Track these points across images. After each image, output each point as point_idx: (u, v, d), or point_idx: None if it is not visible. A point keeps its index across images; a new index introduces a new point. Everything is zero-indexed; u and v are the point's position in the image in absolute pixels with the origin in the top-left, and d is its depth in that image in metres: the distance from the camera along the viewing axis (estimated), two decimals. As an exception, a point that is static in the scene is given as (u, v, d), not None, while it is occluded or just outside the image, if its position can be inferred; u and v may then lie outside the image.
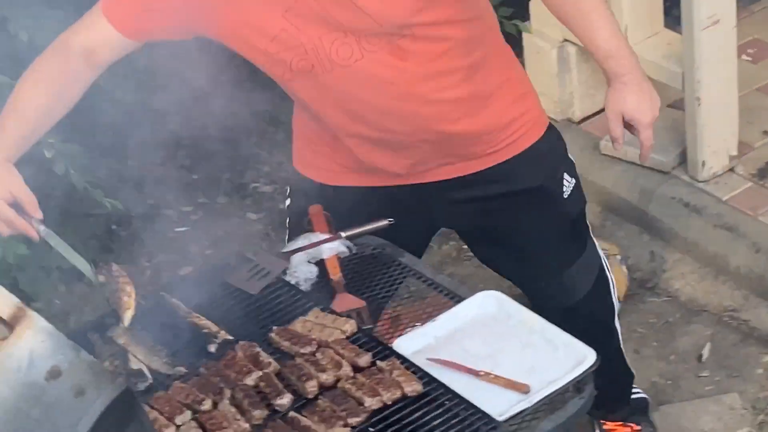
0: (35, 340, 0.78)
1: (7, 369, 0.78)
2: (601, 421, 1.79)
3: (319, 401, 1.05)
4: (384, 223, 1.37)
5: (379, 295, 1.42)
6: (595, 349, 1.12)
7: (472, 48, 1.27)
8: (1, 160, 1.10)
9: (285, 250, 1.37)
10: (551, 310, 1.33)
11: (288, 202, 1.54)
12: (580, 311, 1.48)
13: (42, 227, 1.14)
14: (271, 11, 1.15)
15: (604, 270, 1.56)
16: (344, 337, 1.16)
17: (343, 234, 1.36)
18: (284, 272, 1.31)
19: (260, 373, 1.09)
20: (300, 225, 1.41)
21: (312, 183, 1.45)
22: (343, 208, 1.38)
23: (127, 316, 1.13)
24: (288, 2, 1.14)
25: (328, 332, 1.16)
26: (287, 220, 1.54)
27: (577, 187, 1.46)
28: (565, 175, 1.44)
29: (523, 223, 1.42)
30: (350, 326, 1.18)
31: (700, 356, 2.11)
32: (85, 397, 0.71)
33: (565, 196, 1.43)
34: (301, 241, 1.35)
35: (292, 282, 1.31)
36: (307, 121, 1.42)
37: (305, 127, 1.45)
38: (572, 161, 1.50)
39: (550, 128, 1.44)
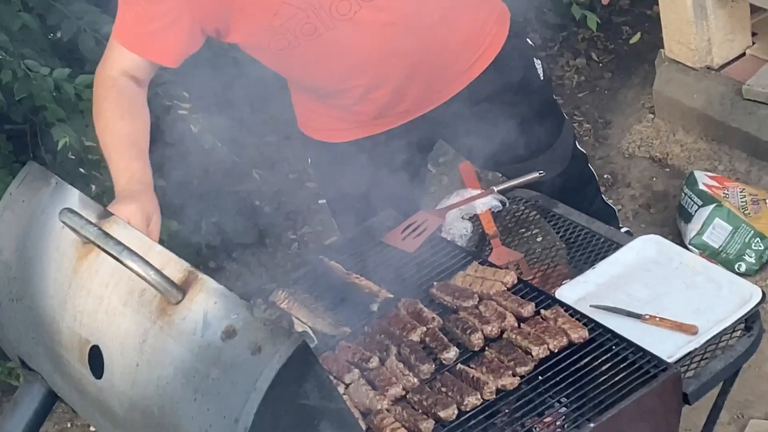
0: (208, 302, 0.78)
1: (183, 332, 0.80)
2: None
3: (486, 353, 1.03)
4: (535, 175, 1.36)
5: (535, 246, 1.44)
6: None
7: None
8: (145, 189, 1.14)
9: (439, 207, 1.37)
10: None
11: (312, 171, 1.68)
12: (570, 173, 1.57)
13: None
14: None
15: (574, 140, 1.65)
16: (505, 288, 1.14)
17: (495, 188, 1.35)
18: (439, 229, 1.30)
19: (424, 328, 1.07)
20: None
21: (326, 146, 1.49)
22: (363, 158, 1.40)
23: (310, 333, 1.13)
24: None
25: (488, 285, 1.13)
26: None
27: (542, 65, 1.54)
28: (535, 60, 1.51)
29: (515, 113, 1.43)
30: (511, 278, 1.15)
31: None
32: (261, 354, 0.70)
33: (542, 78, 1.51)
34: (454, 198, 1.34)
35: (448, 238, 1.31)
36: (307, 100, 1.47)
37: (308, 103, 1.48)
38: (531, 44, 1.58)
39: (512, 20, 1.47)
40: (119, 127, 1.20)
